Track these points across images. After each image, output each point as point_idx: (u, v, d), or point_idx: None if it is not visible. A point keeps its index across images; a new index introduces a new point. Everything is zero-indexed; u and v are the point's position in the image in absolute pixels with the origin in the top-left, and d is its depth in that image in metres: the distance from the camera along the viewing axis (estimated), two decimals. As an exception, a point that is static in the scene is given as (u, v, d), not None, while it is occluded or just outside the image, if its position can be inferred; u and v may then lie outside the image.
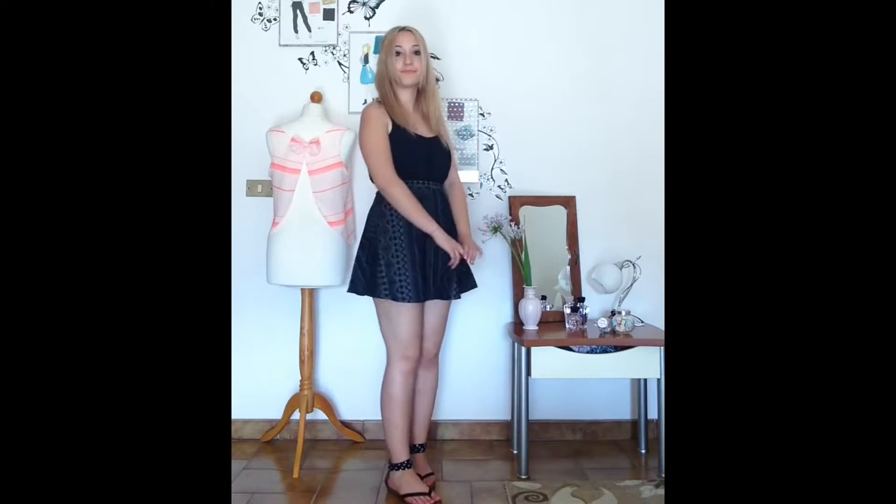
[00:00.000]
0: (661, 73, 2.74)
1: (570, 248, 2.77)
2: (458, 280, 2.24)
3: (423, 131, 2.25)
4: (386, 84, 2.25)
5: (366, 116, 2.20)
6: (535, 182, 2.83)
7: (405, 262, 2.13)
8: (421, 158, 2.22)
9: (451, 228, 2.25)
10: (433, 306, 2.27)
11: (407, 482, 2.17)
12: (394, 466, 2.20)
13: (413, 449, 2.33)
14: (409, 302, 2.11)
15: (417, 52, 2.24)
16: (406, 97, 2.27)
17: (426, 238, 2.17)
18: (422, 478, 2.26)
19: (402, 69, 2.21)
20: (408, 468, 2.20)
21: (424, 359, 2.28)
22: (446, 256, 2.18)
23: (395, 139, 2.18)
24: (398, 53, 2.22)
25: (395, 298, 2.11)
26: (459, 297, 2.28)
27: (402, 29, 2.26)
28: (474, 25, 2.83)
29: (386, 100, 2.23)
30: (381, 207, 2.20)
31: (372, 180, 2.25)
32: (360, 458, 2.61)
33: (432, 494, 2.15)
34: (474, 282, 2.33)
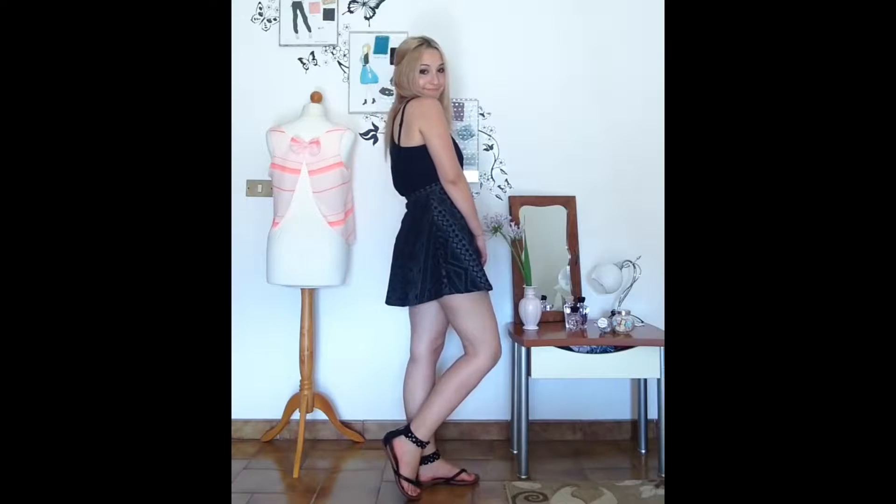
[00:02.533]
0: (661, 72, 2.74)
1: (570, 248, 2.77)
2: None
3: None
4: (414, 93, 2.28)
5: (434, 111, 2.21)
6: (535, 182, 2.83)
7: (476, 255, 2.23)
8: (460, 161, 2.31)
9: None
10: None
11: (412, 464, 2.18)
12: (417, 441, 2.18)
13: (435, 455, 2.31)
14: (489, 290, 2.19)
15: (441, 70, 2.29)
16: None
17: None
18: (455, 476, 2.29)
19: (426, 86, 2.26)
20: (421, 448, 2.19)
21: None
22: None
23: None
24: (423, 71, 2.25)
25: (489, 288, 2.17)
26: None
27: (428, 45, 2.28)
28: (474, 25, 2.83)
29: None
30: (449, 207, 2.22)
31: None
32: (360, 458, 2.61)
33: (417, 487, 2.17)
34: None
